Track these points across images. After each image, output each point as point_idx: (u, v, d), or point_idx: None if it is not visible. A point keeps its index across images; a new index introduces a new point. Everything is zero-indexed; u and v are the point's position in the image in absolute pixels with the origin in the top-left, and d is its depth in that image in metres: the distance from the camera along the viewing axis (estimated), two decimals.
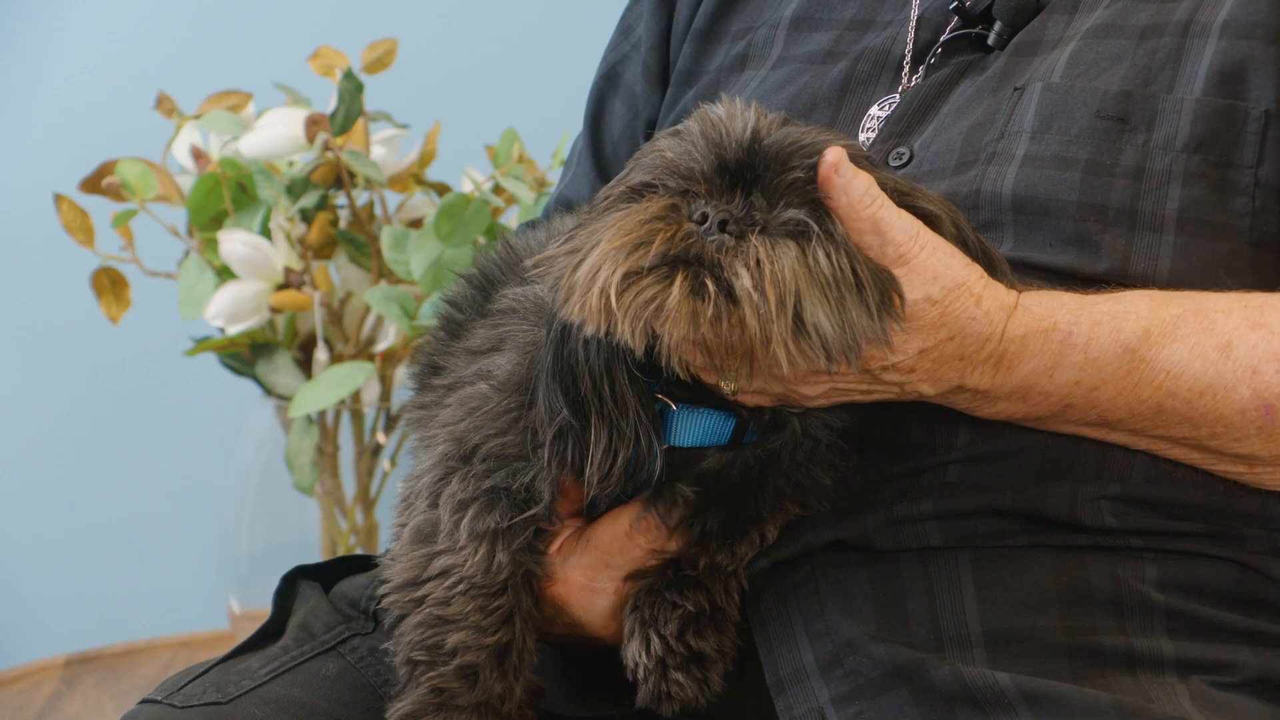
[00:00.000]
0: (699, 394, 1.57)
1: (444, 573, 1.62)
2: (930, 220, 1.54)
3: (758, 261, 1.43)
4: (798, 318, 1.43)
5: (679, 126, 1.54)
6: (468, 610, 1.62)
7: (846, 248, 1.47)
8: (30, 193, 3.22)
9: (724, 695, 1.65)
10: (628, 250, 1.44)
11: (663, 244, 1.44)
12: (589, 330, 1.47)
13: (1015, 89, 1.71)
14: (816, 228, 1.46)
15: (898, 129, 1.76)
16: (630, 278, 1.44)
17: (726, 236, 1.45)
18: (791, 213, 1.47)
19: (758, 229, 1.45)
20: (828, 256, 1.45)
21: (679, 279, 1.43)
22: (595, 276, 1.44)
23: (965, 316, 1.54)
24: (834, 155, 1.47)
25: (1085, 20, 1.73)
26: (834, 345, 1.44)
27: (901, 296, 1.48)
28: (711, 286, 1.43)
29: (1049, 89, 1.69)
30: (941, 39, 1.79)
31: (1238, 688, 1.64)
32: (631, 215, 1.47)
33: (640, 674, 1.63)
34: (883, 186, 1.50)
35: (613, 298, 1.43)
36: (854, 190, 1.47)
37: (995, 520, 1.64)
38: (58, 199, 2.70)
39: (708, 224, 1.45)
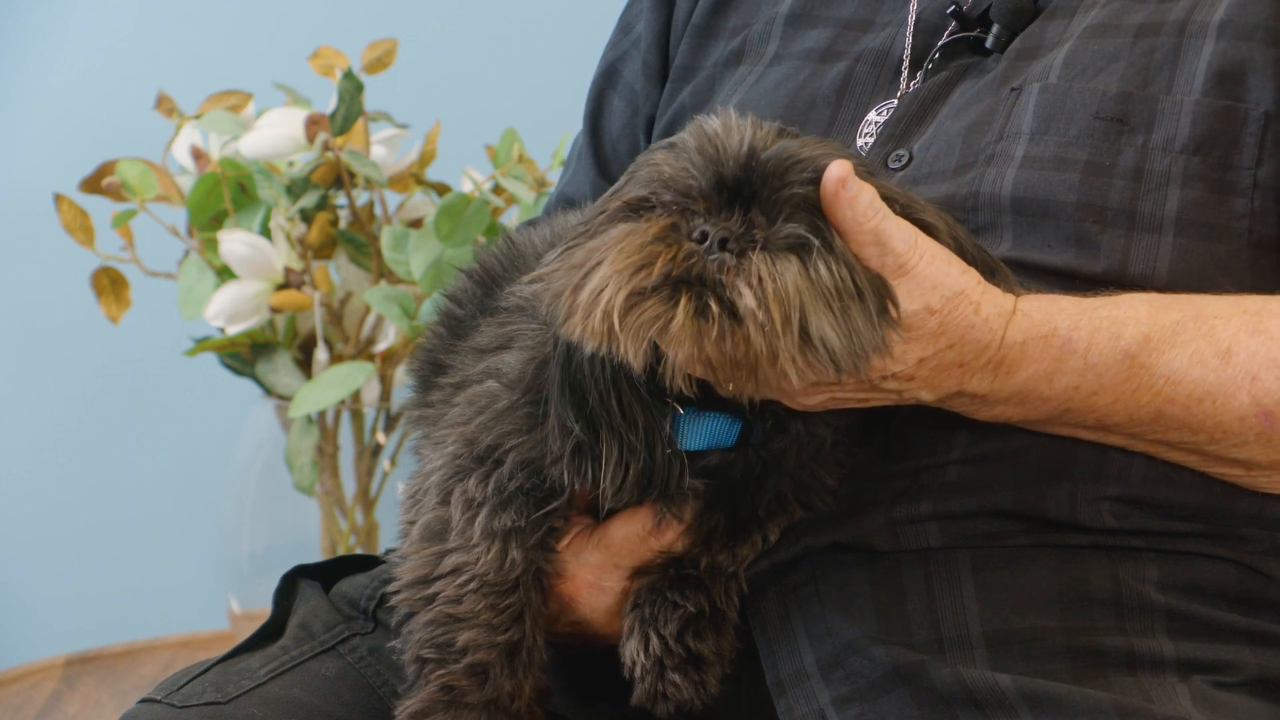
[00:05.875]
0: (705, 398, 1.57)
1: (455, 570, 1.62)
2: (929, 232, 1.54)
3: (759, 279, 1.43)
4: (804, 332, 1.43)
5: (674, 139, 1.53)
6: (479, 608, 1.61)
7: (846, 259, 1.47)
8: (30, 193, 3.22)
9: (723, 696, 1.65)
10: (630, 272, 1.44)
11: (665, 265, 1.44)
12: (589, 349, 1.48)
13: (1012, 89, 1.71)
14: (817, 241, 1.46)
15: (896, 132, 1.76)
16: (633, 299, 1.44)
17: (727, 255, 1.44)
18: (791, 227, 1.47)
19: (758, 245, 1.45)
20: (829, 268, 1.45)
21: (682, 300, 1.43)
22: (598, 298, 1.45)
23: (964, 324, 1.54)
24: (840, 170, 1.47)
25: (1083, 22, 1.73)
26: (841, 356, 1.44)
27: (896, 304, 1.49)
28: (715, 307, 1.43)
29: (1046, 90, 1.68)
30: (939, 43, 1.79)
31: (1238, 688, 1.63)
32: (633, 236, 1.47)
33: (638, 673, 1.63)
34: (885, 198, 1.50)
35: (616, 320, 1.44)
36: (859, 204, 1.47)
37: (995, 521, 1.63)
38: (58, 199, 2.70)
39: (708, 243, 1.45)
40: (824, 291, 1.44)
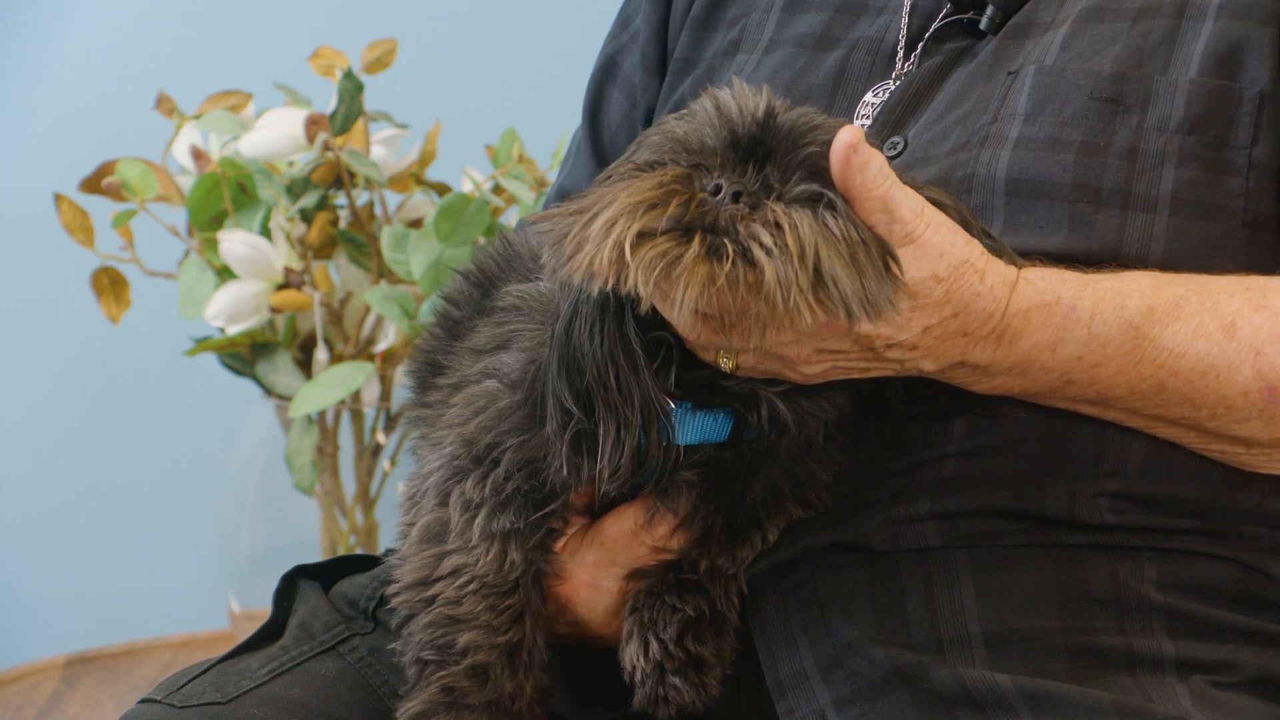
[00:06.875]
0: (698, 395, 1.57)
1: (455, 572, 1.62)
2: (936, 205, 1.53)
3: (776, 223, 1.42)
4: (817, 272, 1.41)
5: (687, 109, 1.53)
6: (479, 610, 1.61)
7: (853, 219, 1.46)
8: (30, 193, 3.22)
9: (723, 697, 1.65)
10: (643, 209, 1.42)
11: (678, 208, 1.43)
12: (595, 286, 1.45)
13: (1009, 73, 1.71)
14: (830, 194, 1.46)
15: (892, 118, 1.76)
16: (645, 236, 1.42)
17: (741, 206, 1.44)
18: (805, 185, 1.46)
19: (773, 196, 1.45)
20: (838, 222, 1.44)
21: (695, 241, 1.42)
22: (609, 231, 1.42)
23: (970, 293, 1.53)
24: (851, 135, 1.46)
25: (1079, 3, 1.73)
26: (853, 300, 1.42)
27: (898, 261, 1.47)
28: (729, 247, 1.41)
29: (1042, 71, 1.68)
30: (933, 26, 1.79)
31: (1238, 687, 1.63)
32: (646, 180, 1.45)
33: (638, 677, 1.63)
34: None
35: (627, 251, 1.41)
36: (870, 169, 1.46)
37: (993, 520, 1.63)
38: (58, 199, 2.70)
39: (721, 195, 1.45)
40: (834, 239, 1.43)
